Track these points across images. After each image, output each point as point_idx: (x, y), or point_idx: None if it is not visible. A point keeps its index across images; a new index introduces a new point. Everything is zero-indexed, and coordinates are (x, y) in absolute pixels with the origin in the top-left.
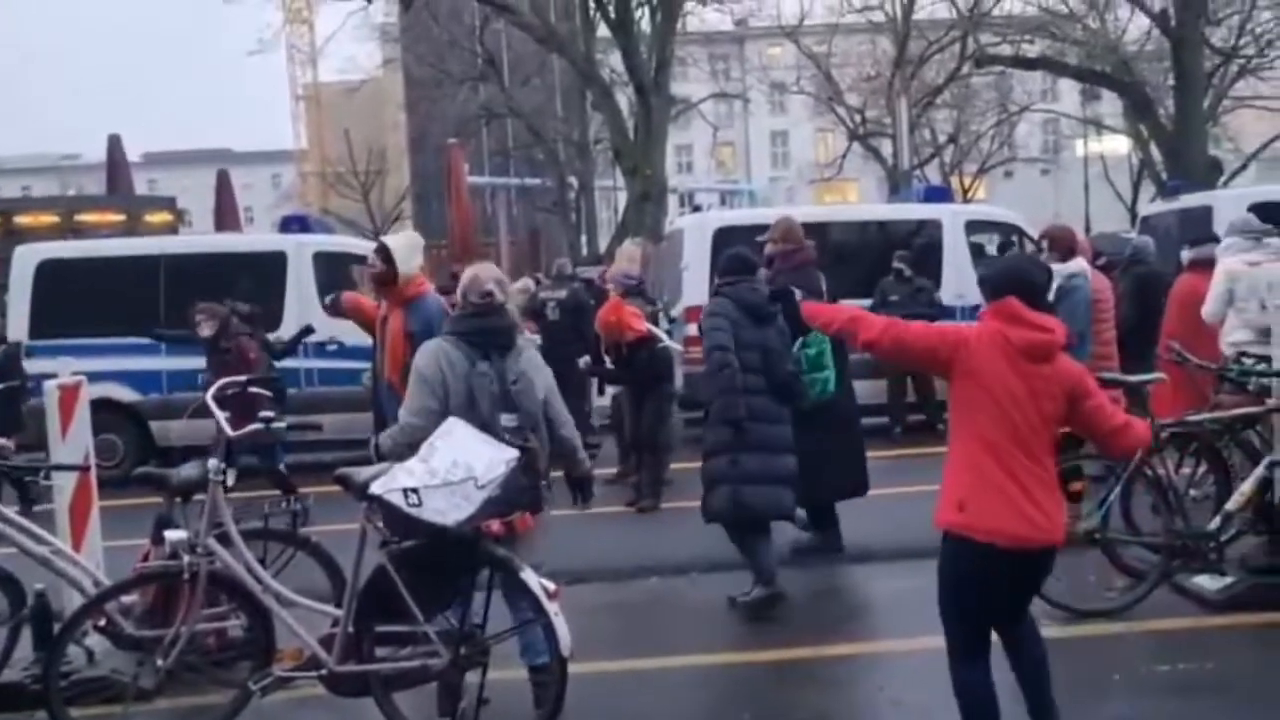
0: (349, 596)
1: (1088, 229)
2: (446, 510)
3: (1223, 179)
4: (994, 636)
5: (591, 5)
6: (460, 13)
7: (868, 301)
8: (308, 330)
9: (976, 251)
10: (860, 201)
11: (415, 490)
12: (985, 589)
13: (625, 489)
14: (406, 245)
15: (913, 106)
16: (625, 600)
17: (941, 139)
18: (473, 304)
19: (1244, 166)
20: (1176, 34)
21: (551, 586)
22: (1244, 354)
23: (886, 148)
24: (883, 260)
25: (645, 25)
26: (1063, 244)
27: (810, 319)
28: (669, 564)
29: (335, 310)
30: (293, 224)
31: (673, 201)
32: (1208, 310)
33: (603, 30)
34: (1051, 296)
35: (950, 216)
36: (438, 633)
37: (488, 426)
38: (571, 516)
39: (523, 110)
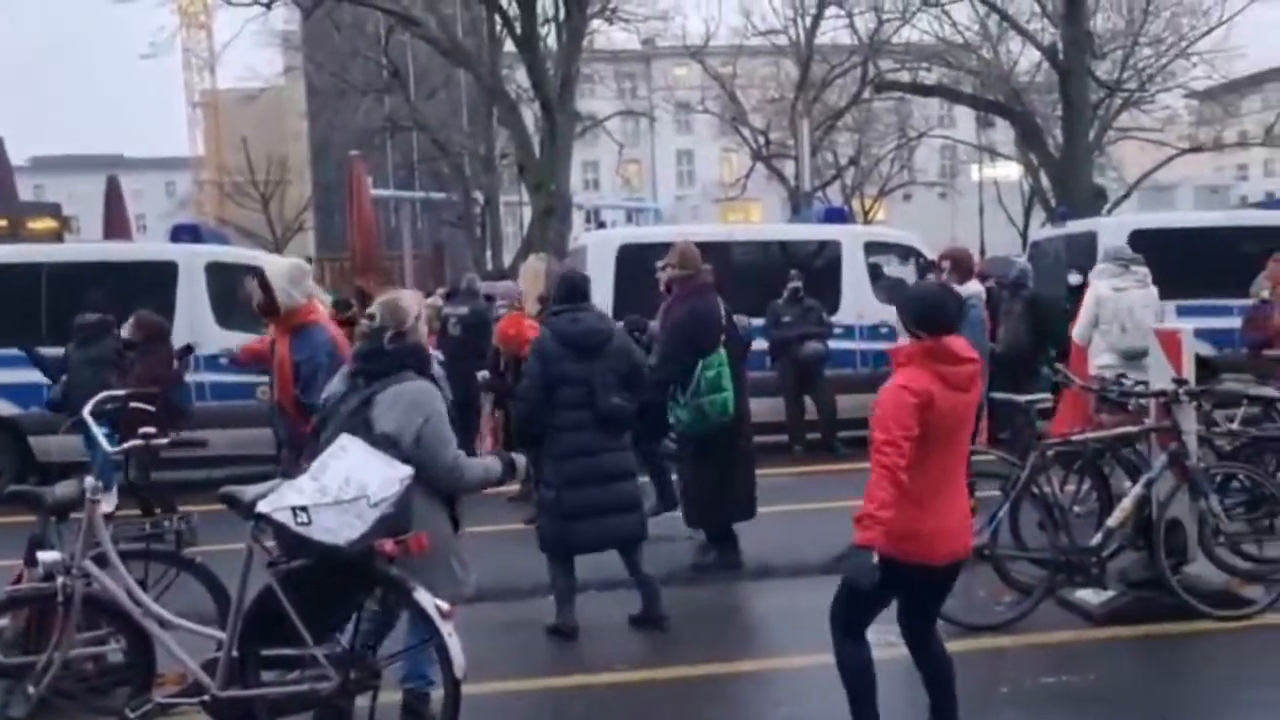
0: (233, 618)
1: (982, 252)
2: (337, 529)
3: (1107, 206)
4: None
5: (498, 21)
6: (364, 23)
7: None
8: (187, 350)
9: (874, 272)
10: (763, 221)
11: (304, 509)
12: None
13: (528, 506)
14: (286, 275)
15: (815, 129)
16: (524, 618)
17: (843, 161)
18: (368, 328)
19: (1127, 195)
20: (1064, 67)
21: (445, 606)
22: (1123, 375)
23: (789, 169)
24: (783, 280)
25: (551, 42)
26: (963, 266)
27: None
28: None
29: (236, 364)
30: (184, 234)
31: (579, 218)
32: (1077, 333)
33: (509, 45)
34: None
35: (849, 237)
36: (327, 655)
37: (324, 446)
38: (479, 534)
39: (428, 123)
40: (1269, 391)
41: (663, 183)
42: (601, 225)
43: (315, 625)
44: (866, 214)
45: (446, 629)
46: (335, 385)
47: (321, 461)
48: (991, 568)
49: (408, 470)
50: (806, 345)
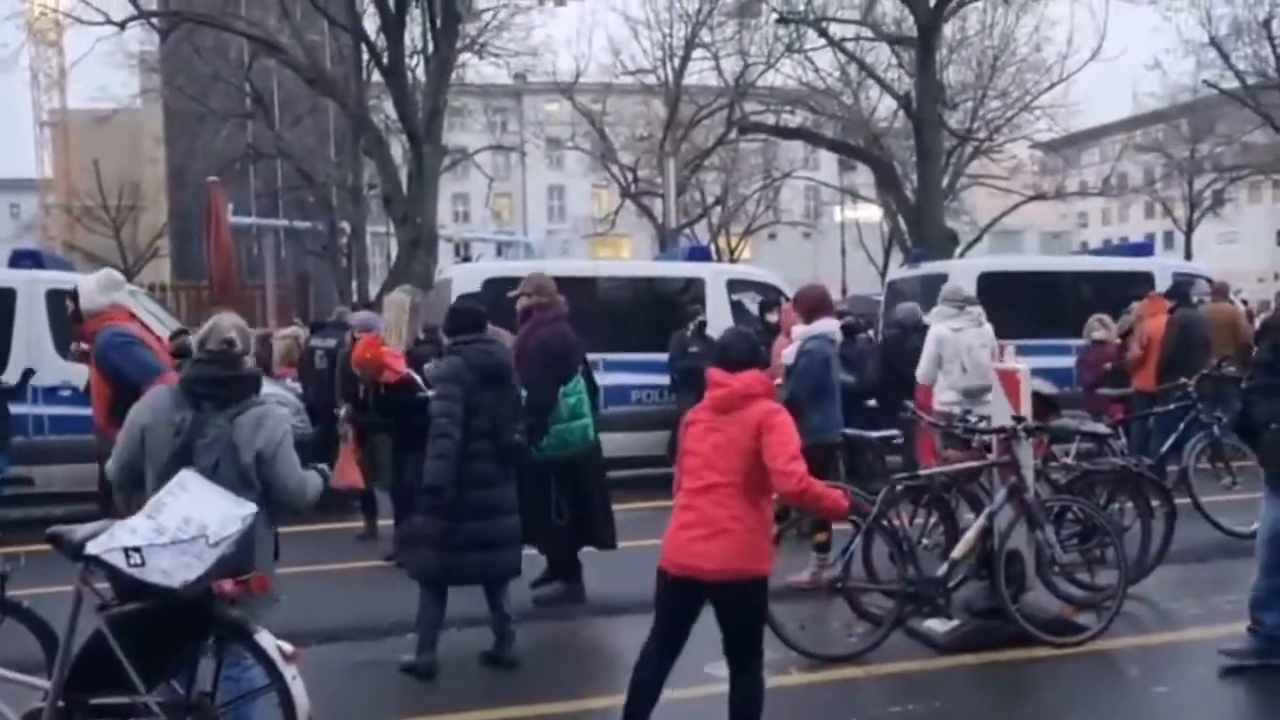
0: (59, 665)
1: (844, 290)
2: (173, 570)
3: (959, 249)
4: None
5: (365, 51)
6: (226, 47)
7: (639, 356)
8: (28, 374)
9: (738, 309)
10: (633, 257)
11: (138, 549)
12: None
13: (376, 542)
14: (94, 282)
15: (683, 168)
16: (379, 659)
17: (710, 200)
18: (207, 352)
19: (978, 238)
20: (918, 115)
21: (289, 649)
22: (968, 412)
23: (658, 206)
24: (648, 315)
25: (421, 74)
26: (804, 305)
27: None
28: None
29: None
30: (24, 259)
31: (448, 250)
32: (920, 372)
33: (378, 75)
34: (792, 359)
35: (712, 275)
36: (160, 703)
37: (164, 479)
38: (329, 571)
39: (292, 151)
40: (1100, 428)
41: (534, 217)
42: (467, 259)
43: (149, 671)
44: (733, 252)
45: (290, 673)
46: (165, 413)
47: (158, 500)
48: (844, 599)
49: (251, 508)
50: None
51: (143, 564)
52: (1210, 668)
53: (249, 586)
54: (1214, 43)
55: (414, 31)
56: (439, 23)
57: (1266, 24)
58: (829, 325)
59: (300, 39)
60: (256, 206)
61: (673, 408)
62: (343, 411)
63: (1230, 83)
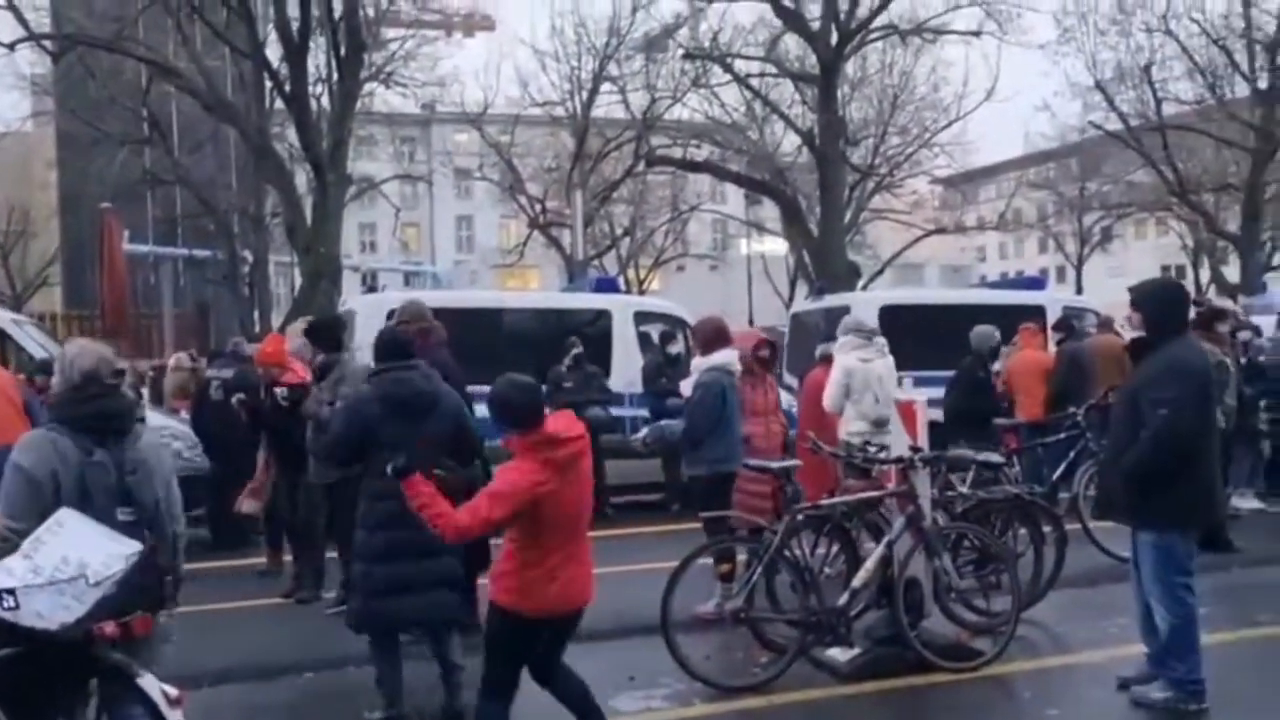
0: None
1: (750, 322)
2: (50, 613)
3: (861, 282)
4: None
5: (266, 78)
6: (121, 70)
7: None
8: None
9: (644, 341)
10: (541, 288)
11: (12, 591)
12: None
13: (279, 579)
14: None
15: (591, 199)
16: (274, 700)
17: (619, 231)
18: (103, 385)
19: (880, 271)
20: (821, 150)
21: (174, 692)
22: (868, 442)
23: (566, 237)
24: (554, 346)
25: (325, 102)
26: (702, 338)
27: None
28: (326, 658)
29: None
30: None
31: (354, 280)
32: (828, 402)
33: (281, 103)
34: (690, 390)
35: (619, 307)
36: None
37: (102, 523)
38: (226, 610)
39: (191, 178)
40: (994, 457)
41: (442, 247)
42: (373, 289)
43: (24, 719)
44: (641, 284)
45: (174, 717)
46: (68, 455)
47: (36, 537)
48: (748, 629)
49: (135, 546)
50: (590, 410)
51: (17, 607)
52: (1101, 689)
53: (131, 628)
54: (1099, 86)
55: (319, 59)
56: (343, 51)
57: (1147, 69)
58: (727, 357)
59: (199, 64)
60: (154, 234)
61: None
62: (235, 400)
63: (1115, 124)
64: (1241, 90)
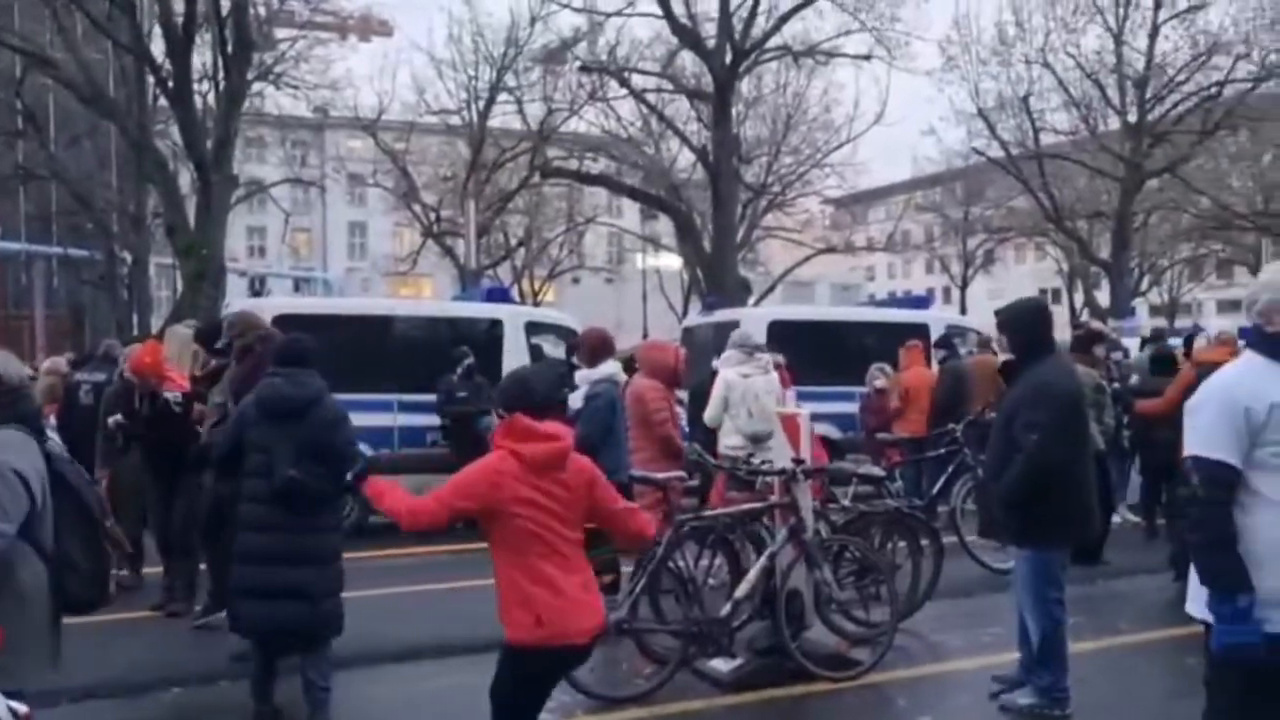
0: None
1: (645, 335)
2: None
3: (753, 298)
4: None
5: (148, 72)
6: None
7: (434, 397)
8: None
9: (536, 352)
10: (435, 298)
11: None
12: (547, 685)
13: (151, 591)
14: None
15: (486, 209)
16: (139, 718)
17: (514, 242)
18: (12, 387)
19: (772, 288)
20: (714, 167)
21: (23, 709)
22: (752, 455)
23: (461, 247)
24: (445, 355)
25: (212, 100)
26: (588, 349)
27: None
28: (196, 674)
29: None
30: None
31: (242, 284)
32: (708, 416)
33: (164, 99)
34: (581, 402)
35: (511, 317)
36: None
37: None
38: (87, 624)
39: (68, 174)
40: (875, 471)
41: (334, 254)
42: (257, 294)
43: None
44: (536, 295)
45: None
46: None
47: None
48: (632, 640)
49: None
50: (483, 420)
51: None
52: (972, 696)
53: None
54: (981, 114)
55: (206, 55)
56: (230, 49)
57: (1025, 100)
58: (613, 367)
59: (77, 56)
60: (26, 231)
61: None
62: (112, 422)
63: (996, 151)
64: (1114, 123)
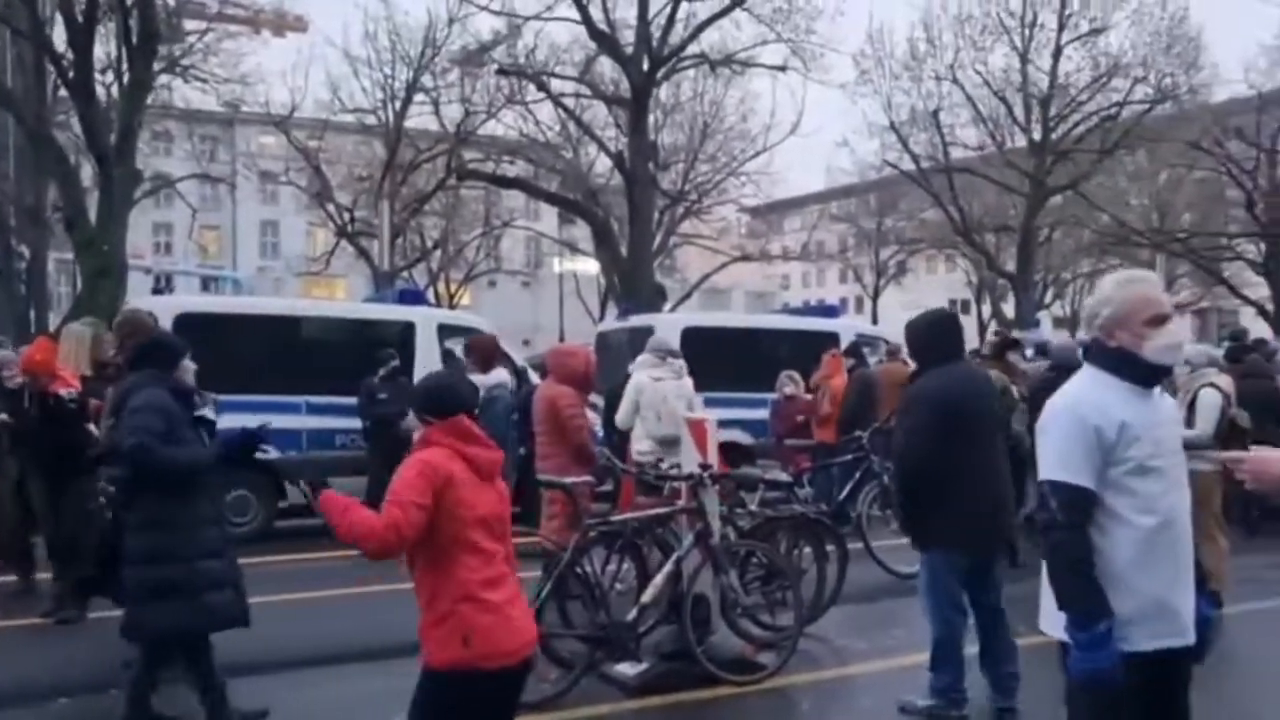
0: None
1: (561, 339)
2: None
3: (669, 305)
4: None
5: (48, 61)
6: None
7: (344, 400)
8: None
9: (448, 356)
10: (348, 299)
11: None
12: (493, 713)
13: (44, 598)
14: None
15: (402, 210)
16: None
17: (429, 244)
18: None
19: (688, 295)
20: (631, 173)
21: None
22: (661, 459)
23: (376, 248)
24: (355, 357)
25: (115, 91)
26: (482, 354)
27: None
28: (84, 682)
29: None
30: None
31: (147, 282)
32: (619, 418)
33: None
34: (481, 409)
35: (424, 320)
36: None
37: None
38: None
39: None
40: (782, 476)
41: (245, 252)
42: (160, 291)
43: None
44: (452, 298)
45: None
46: None
47: None
48: (538, 646)
49: None
50: (405, 422)
51: None
52: (875, 699)
53: None
54: (893, 127)
55: (110, 45)
56: (135, 39)
57: (935, 114)
58: (505, 375)
59: None
60: None
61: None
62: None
63: (908, 164)
64: (1020, 140)
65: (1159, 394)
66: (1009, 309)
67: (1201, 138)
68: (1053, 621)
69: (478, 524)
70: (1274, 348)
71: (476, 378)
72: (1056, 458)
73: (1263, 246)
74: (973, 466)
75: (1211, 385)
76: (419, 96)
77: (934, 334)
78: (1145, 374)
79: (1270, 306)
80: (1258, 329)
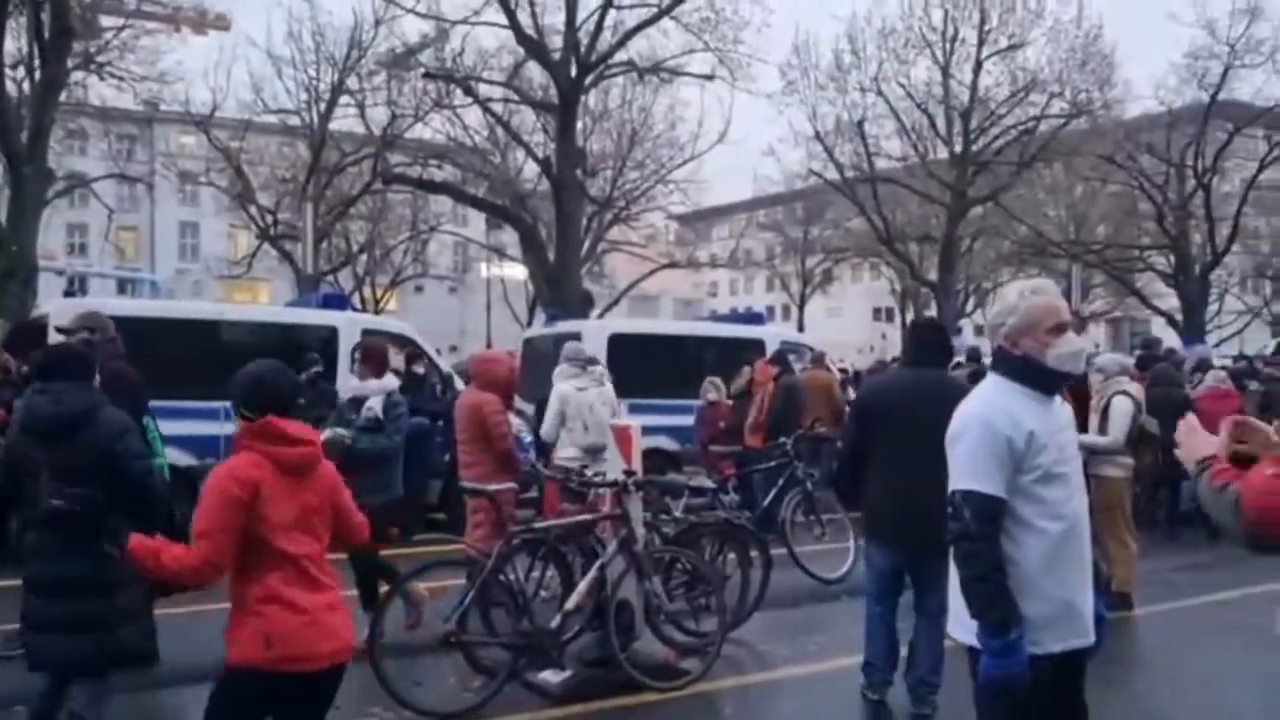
0: None
1: (489, 345)
2: None
3: (597, 311)
4: None
5: None
6: None
7: None
8: None
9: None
10: (272, 303)
11: None
12: (294, 716)
13: None
14: None
15: (327, 214)
16: None
17: (355, 248)
18: None
19: (616, 301)
20: (558, 179)
21: None
22: (585, 466)
23: (300, 251)
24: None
25: (27, 88)
26: (374, 360)
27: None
28: None
29: None
30: None
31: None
32: (544, 431)
33: None
34: (381, 410)
35: (346, 324)
36: None
37: None
38: None
39: None
40: (706, 483)
41: (163, 254)
42: (71, 293)
43: None
44: (378, 302)
45: None
46: None
47: None
48: (461, 655)
49: None
50: (326, 431)
51: None
52: (798, 703)
53: None
54: (819, 137)
55: (21, 40)
56: (47, 35)
57: (860, 125)
58: (394, 381)
59: None
60: None
61: None
62: None
63: (833, 174)
64: (943, 152)
65: (1059, 401)
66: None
67: (1115, 152)
68: (962, 628)
69: (288, 528)
70: (1181, 357)
71: (373, 383)
72: (968, 468)
73: (1172, 258)
74: (880, 466)
75: (1124, 393)
76: (344, 98)
77: (906, 338)
78: (1049, 381)
79: (1179, 316)
80: (1168, 338)
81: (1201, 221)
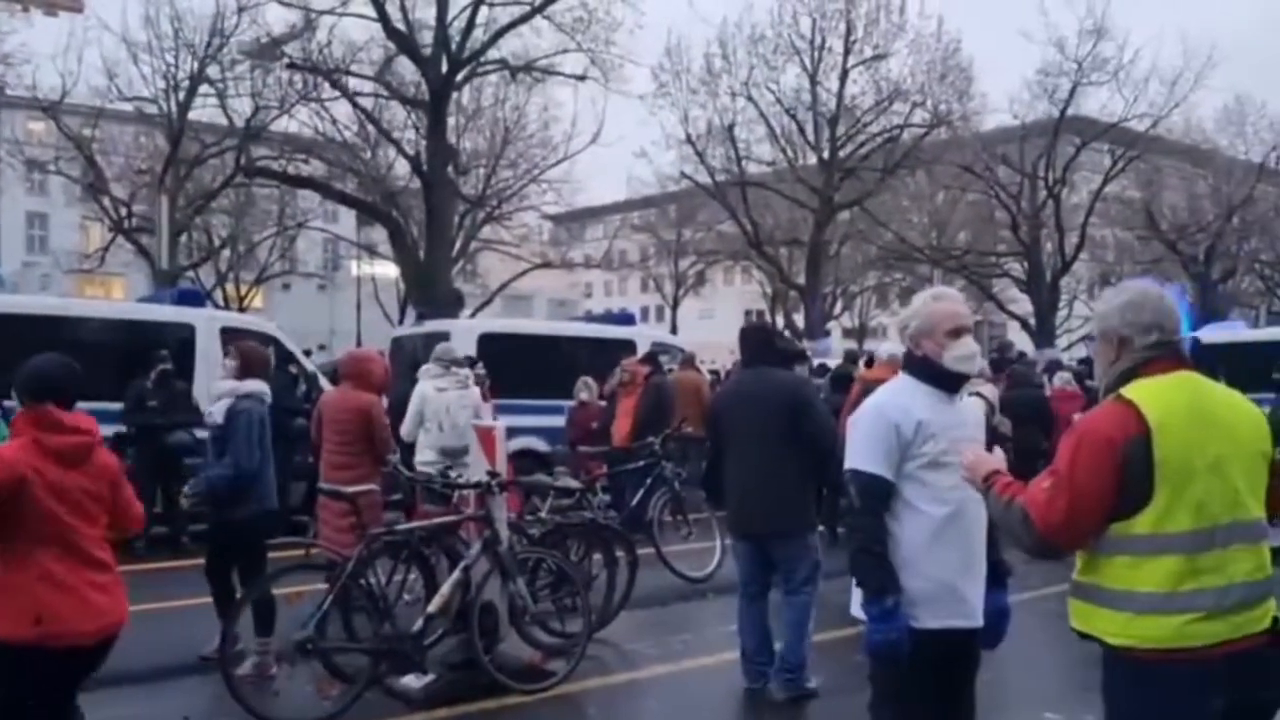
0: None
1: (359, 344)
2: None
3: (469, 311)
4: None
5: None
6: None
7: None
8: None
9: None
10: (127, 299)
11: None
12: (42, 696)
13: None
14: None
15: (187, 207)
16: None
17: (217, 243)
18: None
19: (489, 301)
20: (428, 177)
21: None
22: (449, 468)
23: (156, 245)
24: (128, 361)
25: None
26: (245, 361)
27: None
28: None
29: None
30: None
31: None
32: (404, 430)
33: None
34: (222, 417)
35: (204, 321)
36: None
37: None
38: None
39: None
40: (572, 483)
41: (9, 246)
42: None
43: None
44: (242, 300)
45: None
46: None
47: None
48: (319, 661)
49: None
50: (175, 434)
51: None
52: (662, 702)
53: None
54: (690, 141)
55: None
56: None
57: (730, 129)
58: (262, 387)
59: None
60: None
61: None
62: None
63: (704, 177)
64: (811, 157)
65: (963, 399)
66: (800, 319)
67: (973, 162)
68: (856, 604)
69: (61, 514)
70: (1032, 360)
71: (230, 384)
72: (858, 449)
73: (1025, 265)
74: (730, 461)
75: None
76: (204, 88)
77: (739, 342)
78: (946, 380)
79: (1032, 321)
80: (1021, 341)
81: (1053, 230)
